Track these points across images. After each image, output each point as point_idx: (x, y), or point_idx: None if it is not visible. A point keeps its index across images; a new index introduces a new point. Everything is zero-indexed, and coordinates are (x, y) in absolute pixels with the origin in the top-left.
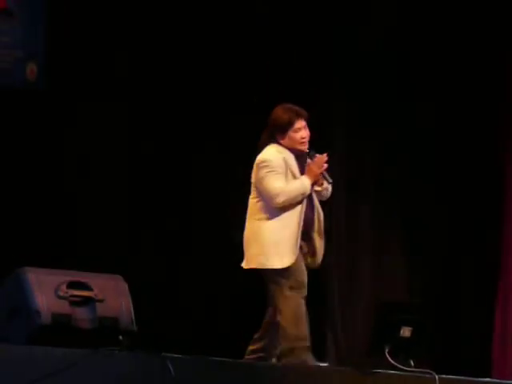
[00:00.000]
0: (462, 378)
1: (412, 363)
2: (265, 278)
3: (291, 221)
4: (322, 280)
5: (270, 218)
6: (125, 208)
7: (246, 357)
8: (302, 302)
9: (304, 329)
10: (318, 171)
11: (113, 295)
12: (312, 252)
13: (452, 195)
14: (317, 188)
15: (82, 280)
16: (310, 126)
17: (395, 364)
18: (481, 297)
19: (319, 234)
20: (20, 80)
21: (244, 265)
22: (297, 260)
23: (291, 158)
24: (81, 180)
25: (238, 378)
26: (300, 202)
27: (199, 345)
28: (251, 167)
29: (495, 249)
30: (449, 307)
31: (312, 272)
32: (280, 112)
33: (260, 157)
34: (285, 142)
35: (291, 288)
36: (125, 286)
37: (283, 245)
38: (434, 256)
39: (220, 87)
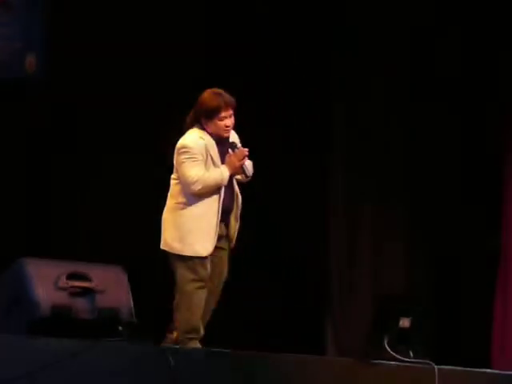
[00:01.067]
0: (461, 368)
1: (411, 354)
2: (173, 262)
3: (209, 210)
4: (321, 271)
5: (188, 204)
6: (129, 197)
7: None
8: (202, 292)
9: (196, 319)
10: (238, 164)
11: (113, 286)
12: (227, 234)
13: (452, 183)
14: (237, 177)
15: (82, 271)
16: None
17: (394, 355)
18: (480, 286)
19: (235, 218)
20: (19, 71)
21: (161, 245)
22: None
23: (212, 145)
24: (84, 171)
25: (237, 368)
26: (218, 191)
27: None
28: None
29: (495, 237)
30: (448, 298)
31: (312, 262)
32: (208, 97)
33: (181, 141)
34: (209, 127)
35: (193, 280)
36: (125, 277)
37: (200, 234)
38: (433, 245)
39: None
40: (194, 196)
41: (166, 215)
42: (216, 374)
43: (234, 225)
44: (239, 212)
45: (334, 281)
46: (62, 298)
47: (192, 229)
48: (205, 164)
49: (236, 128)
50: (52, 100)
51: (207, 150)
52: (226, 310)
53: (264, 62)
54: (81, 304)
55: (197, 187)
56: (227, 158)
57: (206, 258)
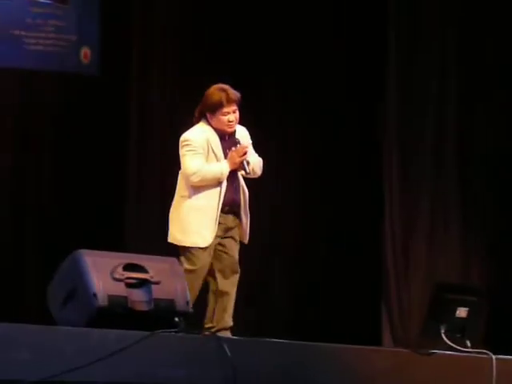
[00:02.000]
0: None
1: (468, 344)
2: (179, 254)
3: (210, 202)
4: (377, 260)
5: (189, 197)
6: None
7: None
8: (193, 280)
9: None
10: (238, 160)
11: (168, 277)
12: (238, 227)
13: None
14: (241, 173)
15: (138, 262)
16: None
17: (451, 344)
18: None
19: (245, 214)
20: (74, 64)
21: (168, 238)
22: (210, 245)
23: (215, 139)
24: (137, 162)
25: (292, 358)
26: (219, 184)
27: (256, 326)
28: None
29: None
30: (505, 287)
31: (367, 251)
32: (212, 92)
33: (184, 134)
34: (213, 122)
35: (186, 270)
36: (180, 268)
37: (199, 225)
38: (489, 235)
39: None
40: (196, 189)
41: (172, 209)
42: (272, 365)
43: (245, 220)
44: (247, 207)
45: (390, 270)
46: (118, 289)
47: (192, 220)
48: (206, 157)
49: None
50: (105, 92)
51: (209, 144)
52: (280, 301)
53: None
54: (137, 295)
55: (195, 179)
56: (229, 154)
57: (204, 249)
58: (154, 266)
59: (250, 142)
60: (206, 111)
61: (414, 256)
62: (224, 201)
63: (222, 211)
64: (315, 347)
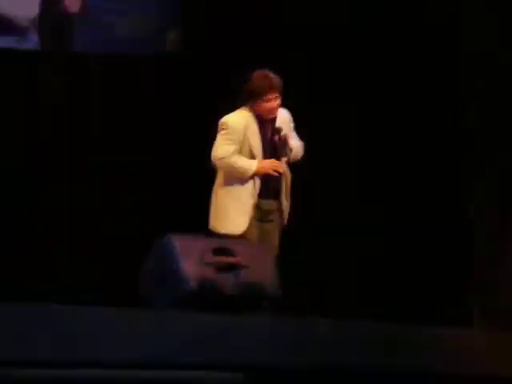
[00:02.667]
0: None
1: None
2: None
3: (244, 188)
4: (466, 240)
5: (224, 184)
6: None
7: None
8: None
9: None
10: (269, 170)
11: (257, 261)
12: (279, 209)
13: None
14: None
15: (227, 247)
16: None
17: None
18: None
19: (286, 197)
20: (160, 48)
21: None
22: (246, 231)
23: (253, 126)
24: None
25: (382, 340)
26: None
27: (346, 308)
28: None
29: None
30: None
31: (458, 235)
32: (255, 79)
33: (224, 118)
34: (255, 108)
35: None
36: (269, 252)
37: (233, 212)
38: None
39: None
40: (231, 175)
41: (212, 196)
42: (361, 346)
43: (286, 203)
44: (289, 191)
45: (481, 254)
46: (208, 273)
47: (226, 207)
48: (240, 145)
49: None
50: (191, 75)
51: (245, 130)
52: (368, 283)
53: None
54: (226, 279)
55: (221, 165)
56: (263, 161)
57: (240, 236)
58: (243, 250)
59: (292, 125)
60: (249, 96)
61: (507, 241)
62: (261, 186)
63: (261, 197)
64: (406, 329)
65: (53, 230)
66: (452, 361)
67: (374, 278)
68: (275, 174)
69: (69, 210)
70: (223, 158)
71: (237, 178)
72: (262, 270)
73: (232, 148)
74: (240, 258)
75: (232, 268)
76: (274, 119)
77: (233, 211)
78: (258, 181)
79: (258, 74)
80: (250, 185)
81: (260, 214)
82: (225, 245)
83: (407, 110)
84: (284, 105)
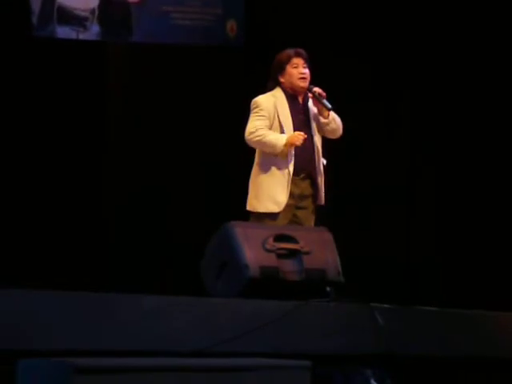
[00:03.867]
0: None
1: None
2: (252, 221)
3: (280, 167)
4: None
5: (262, 164)
6: None
7: None
8: None
9: None
10: (297, 142)
11: (319, 247)
12: (313, 194)
13: None
14: (323, 120)
15: (288, 233)
16: None
17: None
18: None
19: (320, 175)
20: (220, 37)
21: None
22: (283, 211)
23: (283, 101)
24: None
25: (444, 326)
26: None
27: (406, 295)
28: None
29: None
30: None
31: None
32: (280, 54)
33: (254, 99)
34: (285, 79)
35: None
36: (330, 238)
37: (271, 190)
38: None
39: None
40: (267, 155)
41: (251, 177)
42: (424, 332)
43: (320, 180)
44: (321, 167)
45: None
46: (269, 259)
47: (264, 186)
48: (271, 122)
49: None
50: (251, 65)
51: (276, 107)
52: (453, 268)
53: None
54: (288, 265)
55: (252, 139)
56: (292, 134)
57: (277, 214)
58: (305, 236)
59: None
60: (277, 73)
61: None
62: (296, 164)
63: (297, 175)
64: (465, 314)
65: (116, 219)
66: None
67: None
68: (300, 142)
69: (130, 200)
70: (252, 132)
71: (270, 154)
72: (324, 256)
73: (261, 123)
74: (302, 244)
75: (294, 254)
76: (305, 100)
77: (271, 187)
78: (291, 157)
79: (282, 51)
80: (284, 161)
81: (295, 199)
82: (286, 231)
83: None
84: None
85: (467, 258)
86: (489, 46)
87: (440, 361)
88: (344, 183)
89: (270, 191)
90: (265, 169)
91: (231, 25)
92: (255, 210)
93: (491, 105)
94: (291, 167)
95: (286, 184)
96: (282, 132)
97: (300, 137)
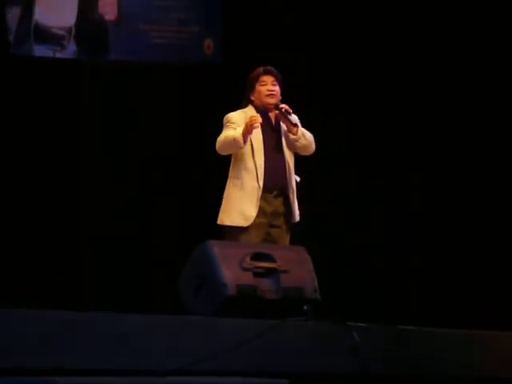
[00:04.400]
0: None
1: None
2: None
3: (249, 181)
4: None
5: (233, 176)
6: None
7: None
8: None
9: None
10: (254, 124)
11: (296, 266)
12: (285, 213)
13: None
14: (292, 137)
15: (266, 251)
16: None
17: None
18: None
19: (293, 193)
20: (197, 55)
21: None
22: (256, 229)
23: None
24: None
25: (420, 345)
26: (257, 161)
27: (384, 313)
28: None
29: None
30: None
31: None
32: (251, 72)
33: (226, 115)
34: (255, 97)
35: None
36: (307, 257)
37: (239, 204)
38: None
39: None
40: (237, 167)
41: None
42: (402, 352)
43: (293, 200)
44: (293, 184)
45: None
46: (247, 278)
47: (232, 197)
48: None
49: None
50: (227, 83)
51: (245, 121)
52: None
53: None
54: (265, 284)
55: (218, 146)
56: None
57: (247, 228)
58: (282, 255)
59: (299, 122)
60: (249, 92)
61: None
62: (267, 181)
63: (269, 192)
64: (443, 333)
65: (95, 233)
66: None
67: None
68: (256, 125)
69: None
70: (218, 141)
71: (239, 162)
72: (302, 275)
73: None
74: (279, 262)
75: (271, 273)
76: (278, 118)
77: (239, 201)
78: (262, 173)
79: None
80: (253, 176)
81: (267, 217)
82: (263, 250)
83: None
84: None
85: (446, 276)
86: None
87: (417, 381)
88: (318, 199)
89: (239, 205)
90: (235, 183)
91: (208, 43)
92: (223, 223)
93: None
94: (261, 182)
95: (256, 199)
96: (252, 149)
97: (255, 118)
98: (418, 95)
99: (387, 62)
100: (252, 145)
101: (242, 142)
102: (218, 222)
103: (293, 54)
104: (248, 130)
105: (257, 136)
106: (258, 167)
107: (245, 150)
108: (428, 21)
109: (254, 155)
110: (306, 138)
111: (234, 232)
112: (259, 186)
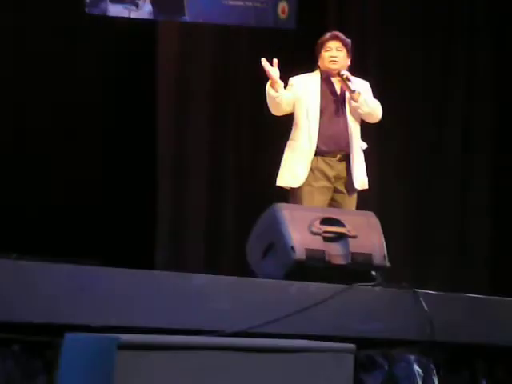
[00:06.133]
0: None
1: None
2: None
3: (299, 143)
4: None
5: (290, 138)
6: None
7: None
8: None
9: None
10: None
11: (365, 231)
12: (351, 177)
13: None
14: (353, 104)
15: (335, 216)
16: None
17: None
18: None
19: (357, 158)
20: (272, 19)
21: None
22: (304, 187)
23: (314, 85)
24: None
25: (485, 312)
26: (312, 121)
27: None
28: None
29: None
30: None
31: None
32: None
33: None
34: (321, 62)
35: None
36: (377, 222)
37: (291, 165)
38: None
39: None
40: (294, 129)
41: None
42: (468, 318)
43: (356, 166)
44: (357, 147)
45: None
46: (316, 242)
47: (285, 160)
48: (295, 96)
49: None
50: (302, 46)
51: (305, 87)
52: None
53: None
54: (334, 249)
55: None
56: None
57: (309, 191)
58: (351, 220)
59: (369, 90)
60: (317, 57)
61: None
62: (326, 144)
63: (331, 155)
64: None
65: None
66: None
67: None
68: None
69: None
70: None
71: (304, 123)
72: (371, 241)
73: (284, 92)
74: (348, 227)
75: (340, 238)
76: (336, 72)
77: (290, 162)
78: (315, 132)
79: None
80: (306, 136)
81: (330, 181)
82: (333, 214)
83: None
84: None
85: None
86: None
87: (486, 349)
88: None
89: (290, 166)
90: (289, 144)
91: (283, 7)
92: (278, 185)
93: None
94: (314, 144)
95: (306, 160)
96: (307, 114)
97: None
98: None
99: None
100: (307, 108)
101: (272, 92)
102: (277, 184)
103: (365, 16)
104: (266, 74)
105: (313, 100)
106: (311, 129)
107: (299, 112)
108: None
109: (309, 118)
110: (368, 106)
111: (296, 195)
112: (311, 148)
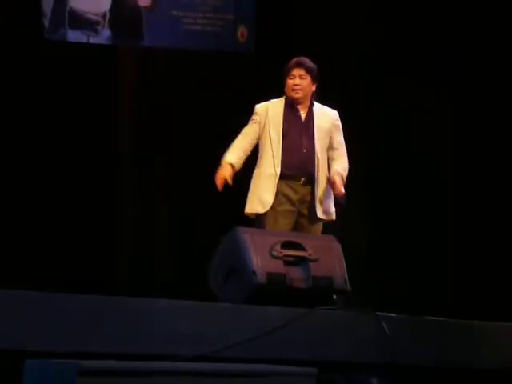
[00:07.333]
0: None
1: None
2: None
3: (264, 169)
4: None
5: (256, 166)
6: None
7: None
8: None
9: None
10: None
11: (326, 255)
12: (314, 202)
13: None
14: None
15: (296, 240)
16: None
17: None
18: None
19: (322, 186)
20: (231, 43)
21: None
22: (268, 212)
23: (277, 111)
24: None
25: (448, 336)
26: (271, 154)
27: (415, 304)
28: None
29: None
30: None
31: None
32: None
33: None
34: (286, 89)
35: None
36: (338, 246)
37: (255, 188)
38: None
39: None
40: (258, 158)
41: None
42: (429, 342)
43: (320, 193)
44: (324, 180)
45: None
46: (277, 266)
47: (252, 186)
48: (261, 125)
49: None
50: (260, 71)
51: (268, 113)
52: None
53: None
54: (295, 273)
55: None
56: (222, 169)
57: (273, 216)
58: (312, 244)
59: (338, 124)
60: (283, 81)
61: None
62: (286, 165)
63: (295, 179)
64: (473, 325)
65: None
66: None
67: None
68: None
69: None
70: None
71: (268, 151)
72: (332, 264)
73: (248, 128)
74: (309, 251)
75: (301, 262)
76: (310, 111)
77: (257, 188)
78: (278, 157)
79: None
80: (270, 162)
81: (294, 205)
82: (294, 238)
83: None
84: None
85: (478, 267)
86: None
87: (445, 372)
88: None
89: (257, 192)
90: (256, 171)
91: (242, 31)
92: (246, 212)
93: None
94: (278, 169)
95: (272, 185)
96: (270, 139)
97: (217, 181)
98: None
99: None
100: (270, 134)
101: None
102: (245, 211)
103: (330, 41)
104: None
105: (275, 125)
106: (274, 154)
107: (263, 140)
108: None
109: (272, 143)
110: (344, 174)
111: (262, 221)
112: (276, 173)
